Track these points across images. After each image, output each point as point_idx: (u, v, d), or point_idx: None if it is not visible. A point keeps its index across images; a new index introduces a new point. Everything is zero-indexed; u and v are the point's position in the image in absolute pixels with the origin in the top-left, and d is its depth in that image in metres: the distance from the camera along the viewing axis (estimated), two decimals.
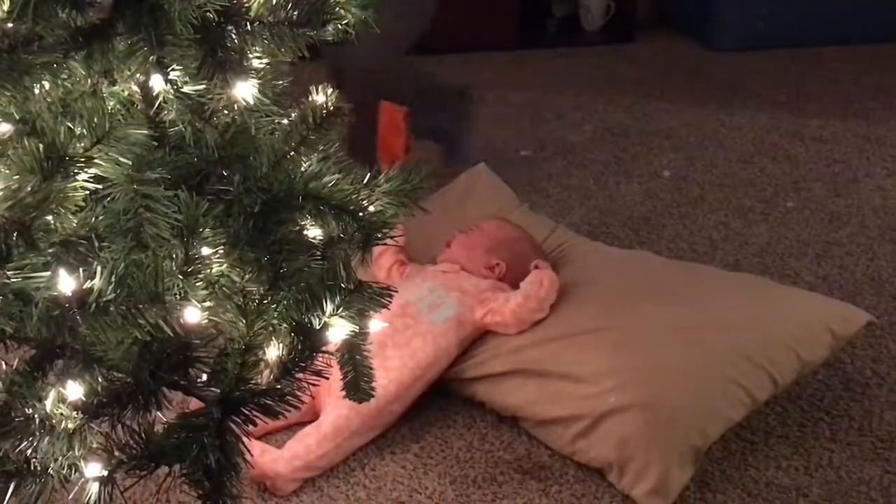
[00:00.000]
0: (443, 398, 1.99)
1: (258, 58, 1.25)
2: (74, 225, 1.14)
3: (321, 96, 1.43)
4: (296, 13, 1.17)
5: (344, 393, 1.57)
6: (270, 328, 1.27)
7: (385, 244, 1.41)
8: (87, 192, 1.16)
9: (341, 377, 1.57)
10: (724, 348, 1.85)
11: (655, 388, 1.77)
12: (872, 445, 1.90)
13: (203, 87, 1.14)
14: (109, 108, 1.15)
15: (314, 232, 1.39)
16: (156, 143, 1.21)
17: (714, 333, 1.87)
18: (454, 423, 1.95)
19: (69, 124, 1.13)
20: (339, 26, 1.39)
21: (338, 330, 1.31)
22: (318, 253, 1.35)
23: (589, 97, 3.77)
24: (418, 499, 1.78)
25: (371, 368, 1.58)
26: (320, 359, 1.32)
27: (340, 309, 1.30)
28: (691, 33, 4.41)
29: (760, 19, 4.23)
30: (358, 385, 1.58)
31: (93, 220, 1.19)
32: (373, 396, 1.59)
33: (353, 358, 1.56)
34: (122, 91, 1.16)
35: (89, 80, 1.14)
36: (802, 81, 3.92)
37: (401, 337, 1.92)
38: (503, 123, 3.50)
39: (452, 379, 1.98)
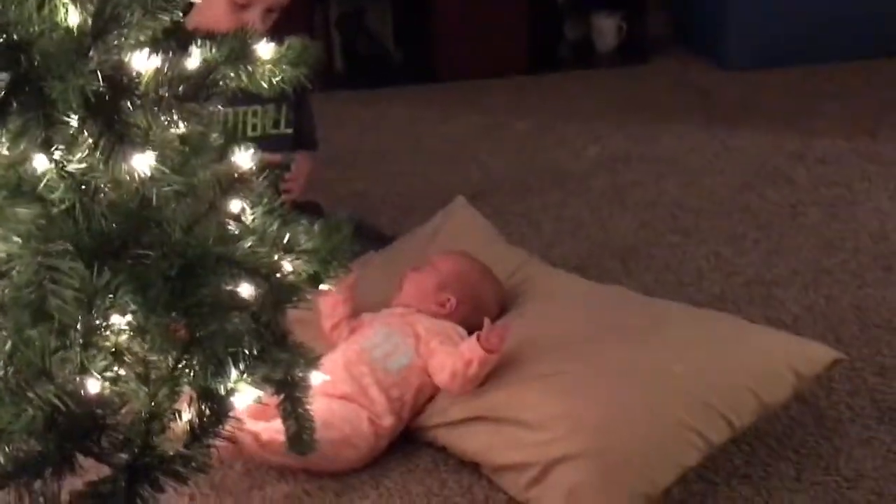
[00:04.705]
0: (406, 444, 1.99)
1: (163, 129, 1.28)
2: None
3: (241, 158, 1.46)
4: (181, 88, 1.19)
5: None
6: (176, 395, 1.29)
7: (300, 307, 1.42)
8: None
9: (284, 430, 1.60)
10: (678, 392, 1.82)
11: (605, 436, 1.76)
12: (837, 485, 1.86)
13: (86, 165, 1.16)
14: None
15: (246, 290, 1.41)
16: (57, 217, 1.24)
17: (669, 377, 1.85)
18: (415, 468, 1.94)
19: None
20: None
21: (244, 396, 1.33)
22: (234, 315, 1.37)
23: (595, 123, 3.75)
24: None
25: (312, 421, 1.60)
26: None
27: (245, 375, 1.32)
28: (704, 52, 4.37)
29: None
30: (300, 437, 1.60)
31: None
32: (314, 449, 1.61)
33: (296, 410, 1.58)
34: (12, 169, 1.19)
35: None
36: (812, 100, 3.88)
37: (358, 385, 1.92)
38: (502, 153, 3.50)
39: (416, 427, 1.98)
